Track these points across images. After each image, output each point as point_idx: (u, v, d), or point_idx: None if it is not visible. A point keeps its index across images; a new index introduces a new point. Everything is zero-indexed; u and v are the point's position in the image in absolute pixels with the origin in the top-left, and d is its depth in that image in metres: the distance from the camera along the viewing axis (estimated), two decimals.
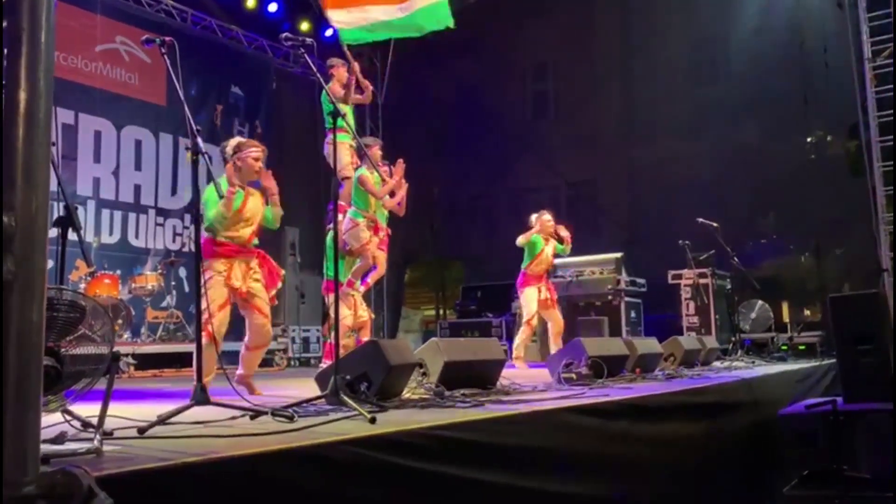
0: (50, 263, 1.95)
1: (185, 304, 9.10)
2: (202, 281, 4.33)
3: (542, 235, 7.77)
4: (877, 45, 8.57)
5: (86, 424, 2.63)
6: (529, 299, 7.76)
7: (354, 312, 6.27)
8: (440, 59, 12.70)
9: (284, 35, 3.79)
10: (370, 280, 7.40)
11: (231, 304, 4.54)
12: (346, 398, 3.00)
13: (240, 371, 4.66)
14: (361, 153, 6.19)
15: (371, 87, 7.01)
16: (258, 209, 4.63)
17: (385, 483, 2.37)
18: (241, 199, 4.50)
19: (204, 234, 4.50)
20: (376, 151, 6.74)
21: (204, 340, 4.27)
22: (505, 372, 4.61)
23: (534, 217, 7.93)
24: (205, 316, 4.28)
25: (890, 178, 8.42)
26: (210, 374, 4.31)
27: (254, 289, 4.55)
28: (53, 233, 3.12)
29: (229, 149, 4.58)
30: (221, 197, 3.95)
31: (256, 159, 4.55)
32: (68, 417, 2.63)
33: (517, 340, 7.79)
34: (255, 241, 4.65)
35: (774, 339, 8.55)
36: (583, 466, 3.25)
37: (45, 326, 2.35)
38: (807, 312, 11.02)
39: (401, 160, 6.40)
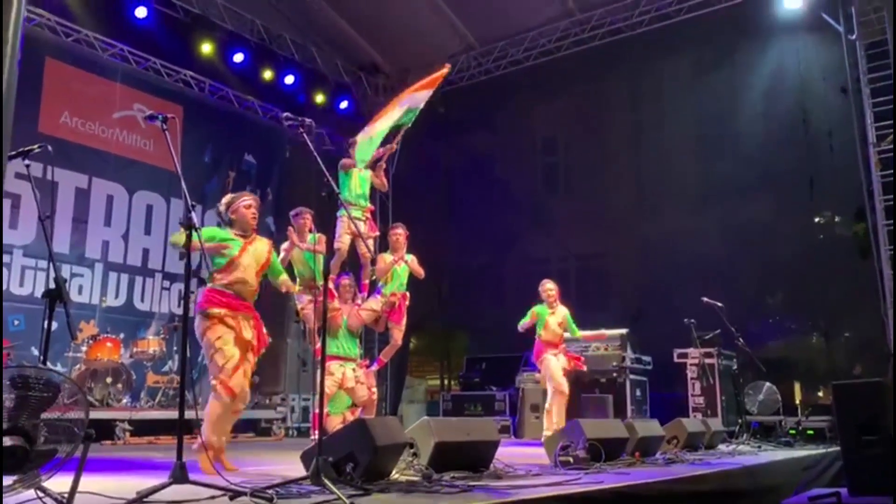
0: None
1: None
2: (212, 338, 4.31)
3: (545, 304, 7.59)
4: (881, 129, 8.63)
5: (59, 503, 2.58)
6: (552, 367, 7.34)
7: (340, 384, 6.14)
8: (453, 131, 12.92)
9: (285, 115, 3.89)
10: (384, 357, 7.14)
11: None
12: (326, 481, 2.92)
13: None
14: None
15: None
16: (259, 256, 4.60)
17: None
18: (238, 247, 4.50)
19: (205, 288, 4.49)
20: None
21: (225, 399, 4.23)
22: (503, 451, 4.53)
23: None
24: (221, 376, 4.26)
25: None
26: (224, 437, 4.24)
27: None
28: (41, 305, 3.16)
29: (222, 207, 4.65)
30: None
31: (248, 207, 4.61)
32: (41, 495, 2.58)
33: (555, 415, 7.20)
34: (255, 296, 4.59)
35: (782, 423, 8.33)
36: None
37: (18, 405, 2.36)
38: (820, 394, 10.76)
39: (413, 256, 6.81)
